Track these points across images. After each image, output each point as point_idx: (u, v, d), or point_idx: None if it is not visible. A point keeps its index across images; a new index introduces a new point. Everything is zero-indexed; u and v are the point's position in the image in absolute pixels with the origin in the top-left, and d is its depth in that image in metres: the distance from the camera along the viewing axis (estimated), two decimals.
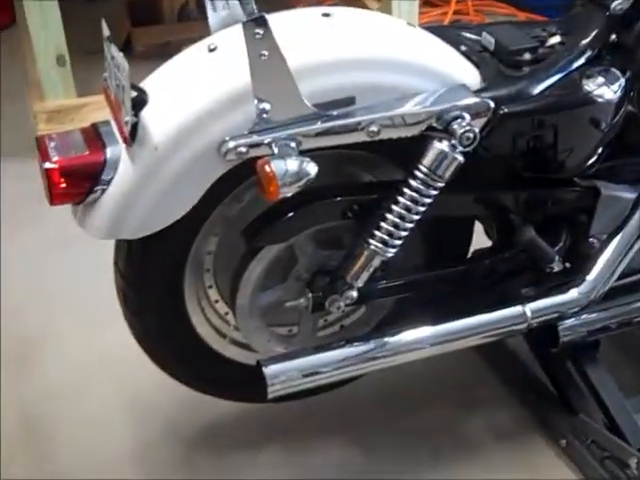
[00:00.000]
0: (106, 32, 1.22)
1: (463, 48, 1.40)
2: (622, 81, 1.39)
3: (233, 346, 1.51)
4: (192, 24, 3.11)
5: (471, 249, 1.57)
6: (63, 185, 1.21)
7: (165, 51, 2.96)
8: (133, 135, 1.19)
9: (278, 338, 1.49)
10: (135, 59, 2.87)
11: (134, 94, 1.19)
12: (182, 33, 3.01)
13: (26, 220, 2.26)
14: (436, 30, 1.41)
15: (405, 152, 1.30)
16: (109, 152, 1.23)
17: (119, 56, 1.17)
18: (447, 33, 1.42)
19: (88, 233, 1.26)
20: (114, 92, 1.23)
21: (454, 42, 1.40)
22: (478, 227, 1.58)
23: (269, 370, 1.33)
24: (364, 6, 2.89)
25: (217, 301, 1.47)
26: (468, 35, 1.45)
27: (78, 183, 1.22)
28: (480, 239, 1.59)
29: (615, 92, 1.38)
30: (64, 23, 2.41)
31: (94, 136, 1.26)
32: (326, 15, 1.31)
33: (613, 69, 1.39)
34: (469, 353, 1.70)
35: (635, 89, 1.41)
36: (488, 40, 1.41)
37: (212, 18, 1.33)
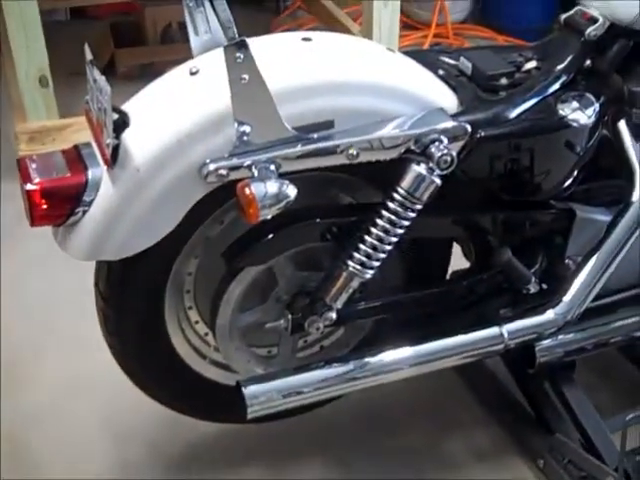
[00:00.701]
0: (89, 56, 1.23)
1: (441, 72, 1.42)
2: (596, 106, 1.42)
3: (213, 367, 1.51)
4: (175, 46, 3.14)
5: (449, 270, 1.59)
6: (44, 207, 1.22)
7: (148, 72, 2.97)
8: (114, 157, 1.20)
9: (258, 359, 1.50)
10: (118, 80, 2.89)
11: (115, 116, 1.20)
12: (165, 55, 3.04)
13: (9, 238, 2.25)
14: (415, 54, 1.42)
15: (384, 175, 1.32)
16: (90, 174, 1.23)
17: (101, 79, 1.18)
18: (426, 57, 1.44)
19: (69, 254, 1.27)
20: (96, 114, 1.24)
21: (432, 66, 1.42)
22: (456, 249, 1.60)
23: (249, 391, 1.34)
24: (345, 30, 2.91)
25: (197, 322, 1.47)
26: (446, 59, 1.47)
27: (59, 205, 1.23)
28: (458, 261, 1.61)
29: (589, 117, 1.40)
30: (47, 44, 2.41)
31: (75, 158, 1.26)
32: (306, 40, 1.33)
33: (587, 94, 1.42)
34: (448, 373, 1.71)
35: (609, 114, 1.44)
36: (465, 65, 1.43)
37: (194, 42, 1.34)
